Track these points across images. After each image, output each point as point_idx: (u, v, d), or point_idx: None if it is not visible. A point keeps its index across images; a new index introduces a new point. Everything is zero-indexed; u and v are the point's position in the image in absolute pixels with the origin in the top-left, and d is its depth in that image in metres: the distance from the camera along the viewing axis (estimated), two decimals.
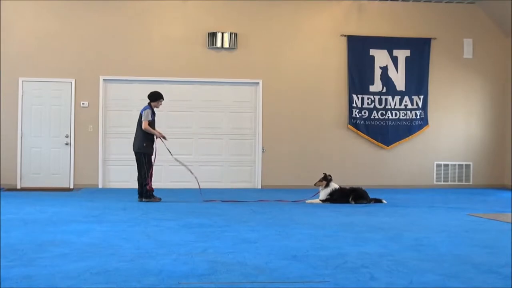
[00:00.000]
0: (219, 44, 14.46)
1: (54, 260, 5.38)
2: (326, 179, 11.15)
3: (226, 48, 14.56)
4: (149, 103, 11.21)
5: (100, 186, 14.18)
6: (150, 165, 11.01)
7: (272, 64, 14.80)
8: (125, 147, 14.26)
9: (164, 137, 11.22)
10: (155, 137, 11.13)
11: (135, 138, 11.19)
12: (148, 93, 11.44)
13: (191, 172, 11.96)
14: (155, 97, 11.23)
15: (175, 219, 8.45)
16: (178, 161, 11.75)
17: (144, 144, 10.97)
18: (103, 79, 14.29)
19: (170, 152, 11.40)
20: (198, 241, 6.51)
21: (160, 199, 11.08)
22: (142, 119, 10.98)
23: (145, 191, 10.99)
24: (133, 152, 11.19)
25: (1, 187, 13.76)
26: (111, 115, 14.38)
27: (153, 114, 11.16)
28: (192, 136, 14.56)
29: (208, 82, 14.61)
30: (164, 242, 6.39)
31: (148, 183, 10.94)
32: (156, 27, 14.53)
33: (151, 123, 11.06)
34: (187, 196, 12.13)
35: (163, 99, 11.39)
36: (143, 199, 11.00)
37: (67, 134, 14.12)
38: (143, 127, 10.94)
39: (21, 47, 14.06)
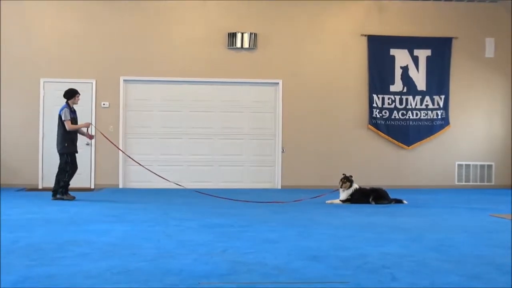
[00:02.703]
0: (239, 45, 14.47)
1: (75, 259, 5.41)
2: (349, 180, 11.10)
3: (246, 48, 14.57)
4: (66, 102, 11.18)
5: (120, 186, 14.25)
6: (74, 164, 11.05)
7: (292, 64, 14.78)
8: (146, 147, 14.36)
9: (88, 126, 11.32)
10: (87, 130, 11.24)
11: (56, 139, 11.16)
12: (64, 92, 11.36)
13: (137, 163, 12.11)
14: (71, 95, 11.23)
15: (195, 219, 8.47)
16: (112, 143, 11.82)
17: (66, 144, 10.99)
18: (124, 80, 14.36)
19: (114, 144, 11.66)
20: (219, 241, 6.52)
21: (74, 197, 11.09)
22: (63, 119, 10.94)
23: (60, 188, 10.99)
24: (58, 153, 11.13)
25: (23, 187, 13.88)
26: (132, 115, 14.45)
27: (72, 112, 11.13)
28: (213, 136, 14.58)
29: (228, 83, 14.63)
30: (184, 242, 6.40)
31: (66, 181, 10.98)
32: (176, 28, 14.57)
33: (73, 121, 11.06)
34: (206, 196, 12.16)
35: (79, 94, 11.36)
36: (57, 197, 11.00)
37: None
38: (67, 128, 10.93)
39: (43, 48, 14.18)
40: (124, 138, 14.33)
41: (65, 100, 11.25)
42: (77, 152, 11.20)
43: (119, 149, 12.71)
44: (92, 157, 14.23)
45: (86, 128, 11.34)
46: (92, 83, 14.26)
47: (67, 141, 11.00)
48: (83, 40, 14.30)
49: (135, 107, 14.48)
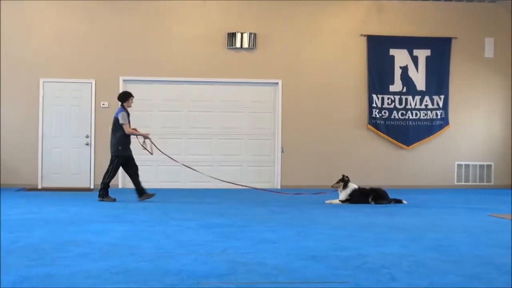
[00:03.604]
0: (238, 44, 14.47)
1: (75, 259, 5.42)
2: (343, 180, 11.10)
3: (245, 48, 14.57)
4: (121, 105, 11.17)
5: (120, 186, 14.25)
6: (117, 168, 11.06)
7: (291, 64, 14.79)
8: None
9: (147, 137, 11.26)
10: (143, 141, 11.21)
11: (110, 140, 11.13)
12: (118, 95, 11.39)
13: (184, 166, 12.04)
14: (125, 97, 11.21)
15: (194, 219, 8.47)
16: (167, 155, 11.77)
17: (120, 147, 10.97)
18: (123, 80, 14.36)
19: (159, 149, 11.47)
20: (218, 241, 6.52)
21: (114, 199, 11.08)
22: (120, 122, 10.93)
23: (102, 189, 11.02)
24: (112, 155, 11.13)
25: (22, 187, 13.88)
26: (131, 115, 14.40)
27: (128, 115, 11.13)
28: (212, 136, 14.59)
29: (227, 82, 14.63)
30: (183, 242, 6.40)
31: (106, 182, 11.00)
32: (175, 28, 14.58)
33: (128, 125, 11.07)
34: (206, 196, 12.16)
35: (133, 96, 11.35)
36: (99, 199, 11.02)
37: (87, 135, 14.22)
38: (126, 132, 10.93)
39: (42, 48, 14.18)
40: None
41: (120, 103, 11.24)
42: (130, 156, 11.11)
43: (178, 162, 12.55)
44: (91, 157, 14.22)
45: (143, 139, 11.27)
46: (91, 83, 14.26)
47: (122, 144, 10.98)
48: (83, 40, 14.30)
49: (134, 107, 14.37)
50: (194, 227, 7.68)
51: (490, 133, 15.39)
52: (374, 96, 14.95)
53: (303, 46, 14.85)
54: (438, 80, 15.18)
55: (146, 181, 14.07)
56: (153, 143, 11.26)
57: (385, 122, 14.97)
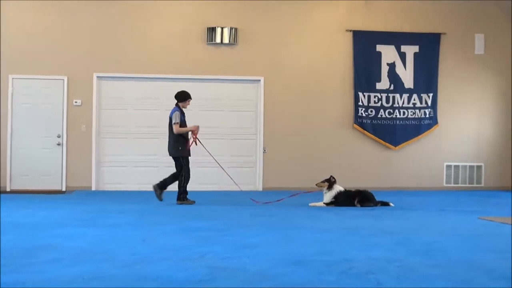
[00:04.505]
0: (218, 40, 14.47)
1: (45, 265, 5.38)
2: (329, 181, 11.14)
3: (226, 44, 14.57)
4: (176, 104, 11.31)
5: (93, 189, 14.19)
6: (188, 167, 11.20)
7: (274, 61, 14.81)
8: (120, 148, 14.31)
9: (195, 132, 11.31)
10: (189, 135, 11.27)
11: (168, 142, 11.31)
12: (175, 93, 11.49)
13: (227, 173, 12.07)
14: (183, 98, 11.34)
15: (172, 222, 8.45)
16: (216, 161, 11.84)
17: (180, 148, 11.14)
18: (97, 76, 14.30)
19: (202, 144, 11.50)
20: (197, 245, 6.51)
21: (193, 202, 11.22)
22: (173, 122, 11.11)
23: (179, 194, 11.18)
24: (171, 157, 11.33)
25: None
26: (106, 114, 14.40)
27: (183, 114, 11.27)
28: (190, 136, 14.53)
29: (207, 80, 14.63)
30: (161, 247, 6.38)
31: (183, 186, 11.14)
32: (152, 22, 14.53)
33: (182, 125, 11.18)
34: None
35: (191, 99, 11.47)
36: (177, 202, 11.18)
37: (59, 134, 14.13)
38: (174, 131, 11.08)
39: (11, 43, 14.08)
40: (97, 138, 14.27)
41: (176, 101, 11.32)
42: (189, 155, 11.24)
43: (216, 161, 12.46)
44: (63, 158, 14.14)
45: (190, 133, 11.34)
46: (63, 80, 14.18)
47: (181, 144, 11.11)
48: (54, 35, 14.22)
49: (109, 105, 14.42)
50: (172, 231, 7.65)
51: (481, 133, 15.51)
52: (360, 94, 15.01)
53: (286, 42, 14.88)
54: (427, 77, 15.28)
55: (122, 183, 14.11)
56: (197, 138, 11.30)
57: (371, 121, 15.04)
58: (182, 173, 11.13)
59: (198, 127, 11.39)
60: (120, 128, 14.41)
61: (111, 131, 14.38)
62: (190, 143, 11.28)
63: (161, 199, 11.15)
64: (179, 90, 11.60)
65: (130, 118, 14.47)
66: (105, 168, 14.35)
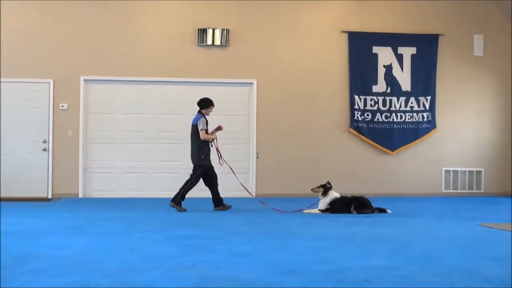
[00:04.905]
0: (209, 41, 14.47)
1: (31, 275, 5.36)
2: (325, 187, 11.15)
3: (217, 46, 14.58)
4: (199, 111, 11.44)
5: (80, 196, 14.16)
6: (198, 178, 11.30)
7: (267, 63, 14.82)
8: (108, 153, 14.28)
9: (220, 129, 11.57)
10: (210, 143, 11.44)
11: (191, 151, 11.45)
12: (198, 100, 11.61)
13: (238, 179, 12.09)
14: (206, 104, 11.49)
15: (162, 230, 8.44)
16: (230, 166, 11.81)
17: (202, 156, 11.27)
18: (84, 80, 14.28)
19: (221, 157, 11.55)
20: (187, 254, 6.50)
21: (185, 210, 11.20)
22: (199, 128, 11.24)
23: (176, 196, 11.22)
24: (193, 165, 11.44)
25: None
26: (93, 118, 14.37)
27: (206, 122, 11.44)
28: (181, 141, 14.52)
29: (197, 83, 14.61)
30: (150, 256, 6.38)
31: (186, 190, 11.21)
32: (141, 23, 14.53)
33: (206, 132, 11.36)
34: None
35: (214, 106, 11.62)
36: (171, 203, 11.23)
37: (45, 139, 14.10)
38: (201, 138, 11.24)
39: None
40: (84, 143, 14.24)
41: (198, 108, 11.49)
42: (210, 166, 11.40)
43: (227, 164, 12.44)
44: (49, 164, 14.11)
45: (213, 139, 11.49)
46: (49, 83, 14.16)
47: (204, 153, 11.30)
48: (40, 36, 14.19)
49: (96, 109, 14.40)
50: (161, 239, 7.65)
51: (480, 137, 15.53)
52: (356, 97, 15.04)
53: (279, 43, 14.90)
54: (425, 80, 15.31)
55: (110, 190, 14.09)
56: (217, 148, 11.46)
57: (367, 125, 15.06)
58: (191, 179, 11.26)
59: (221, 127, 11.62)
60: (108, 133, 14.38)
61: (99, 136, 14.36)
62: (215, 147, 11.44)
63: (228, 207, 11.40)
64: (202, 97, 11.73)
65: (119, 122, 14.45)
66: (92, 175, 14.33)
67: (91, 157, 14.32)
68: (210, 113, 11.63)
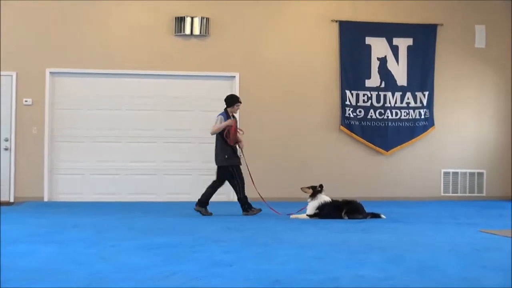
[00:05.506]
0: (188, 31, 14.48)
1: None
2: (314, 188, 11.17)
3: (196, 36, 14.58)
4: (225, 109, 11.62)
5: (46, 199, 14.12)
6: (241, 176, 11.51)
7: (250, 55, 14.84)
8: (76, 153, 14.24)
9: (230, 124, 11.48)
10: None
11: (215, 151, 11.58)
12: (224, 97, 11.77)
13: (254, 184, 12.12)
14: (231, 102, 11.65)
15: (135, 238, 8.43)
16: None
17: (226, 156, 11.40)
18: (50, 72, 14.24)
19: (242, 155, 11.74)
20: (163, 264, 6.51)
21: (260, 210, 11.54)
22: (213, 125, 11.48)
23: (242, 204, 11.51)
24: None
25: None
26: (60, 114, 14.34)
27: (236, 120, 11.57)
28: (156, 139, 14.55)
29: (175, 76, 14.62)
30: (123, 266, 6.38)
31: (243, 196, 11.50)
32: (113, 11, 14.50)
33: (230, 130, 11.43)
34: (149, 211, 12.10)
35: (240, 103, 11.75)
36: (243, 213, 11.54)
37: (6, 138, 14.06)
38: (210, 132, 11.53)
39: None
40: (50, 141, 14.21)
41: (225, 106, 11.67)
42: (240, 164, 11.56)
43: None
44: (11, 165, 14.06)
45: (227, 130, 11.50)
46: (11, 76, 14.11)
47: (228, 152, 11.41)
48: (1, 25, 14.11)
49: (64, 105, 14.37)
50: (135, 247, 7.64)
51: (482, 136, 15.63)
52: (348, 92, 15.09)
53: (264, 33, 14.92)
54: (422, 73, 15.39)
55: (78, 193, 14.05)
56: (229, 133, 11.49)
57: (360, 122, 15.12)
58: (236, 184, 11.46)
59: (233, 121, 11.59)
60: (76, 131, 14.35)
61: (66, 134, 14.32)
62: (235, 138, 11.53)
63: (210, 214, 11.42)
64: (228, 94, 11.92)
65: (88, 119, 14.42)
66: (59, 176, 14.28)
67: (57, 157, 14.27)
68: (238, 111, 11.89)
